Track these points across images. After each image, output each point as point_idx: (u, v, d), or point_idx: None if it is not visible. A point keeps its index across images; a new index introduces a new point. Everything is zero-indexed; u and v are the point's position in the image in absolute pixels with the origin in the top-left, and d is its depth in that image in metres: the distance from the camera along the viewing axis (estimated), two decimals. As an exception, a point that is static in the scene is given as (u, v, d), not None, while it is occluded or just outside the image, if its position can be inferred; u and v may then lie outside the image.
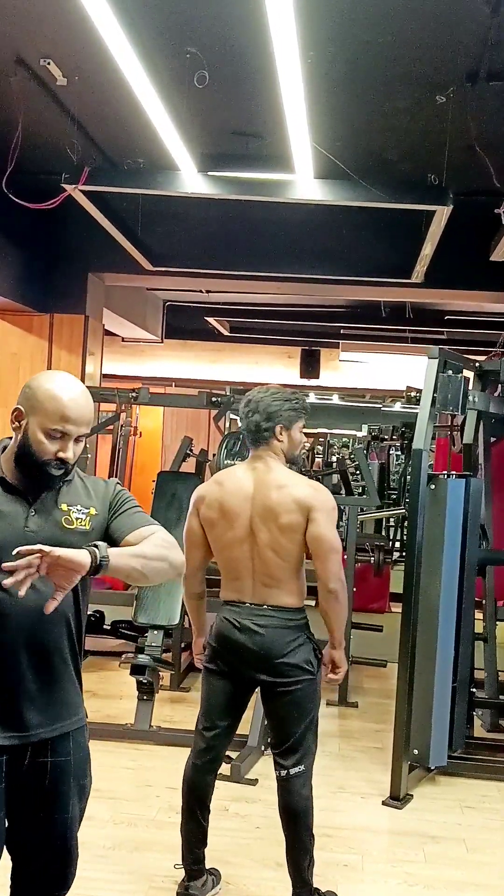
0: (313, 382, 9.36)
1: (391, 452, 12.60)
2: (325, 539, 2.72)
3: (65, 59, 3.43)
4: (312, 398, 11.98)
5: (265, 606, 2.78)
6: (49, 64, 3.44)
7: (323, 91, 3.51)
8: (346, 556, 5.16)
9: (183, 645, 5.41)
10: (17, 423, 1.79)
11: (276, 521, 2.74)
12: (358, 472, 9.40)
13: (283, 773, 2.78)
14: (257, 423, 2.79)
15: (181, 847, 2.88)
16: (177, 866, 2.94)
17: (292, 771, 2.77)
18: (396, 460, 12.93)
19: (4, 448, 1.84)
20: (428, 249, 4.64)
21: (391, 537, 10.65)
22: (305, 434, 3.07)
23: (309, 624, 2.83)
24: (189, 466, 5.75)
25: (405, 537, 9.39)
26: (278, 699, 2.77)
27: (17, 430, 1.79)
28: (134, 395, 5.08)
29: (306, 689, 2.77)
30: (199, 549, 2.92)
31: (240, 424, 2.90)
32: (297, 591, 2.80)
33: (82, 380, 5.52)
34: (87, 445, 4.88)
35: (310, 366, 9.39)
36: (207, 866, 2.96)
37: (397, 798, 3.80)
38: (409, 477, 7.38)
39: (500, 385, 4.84)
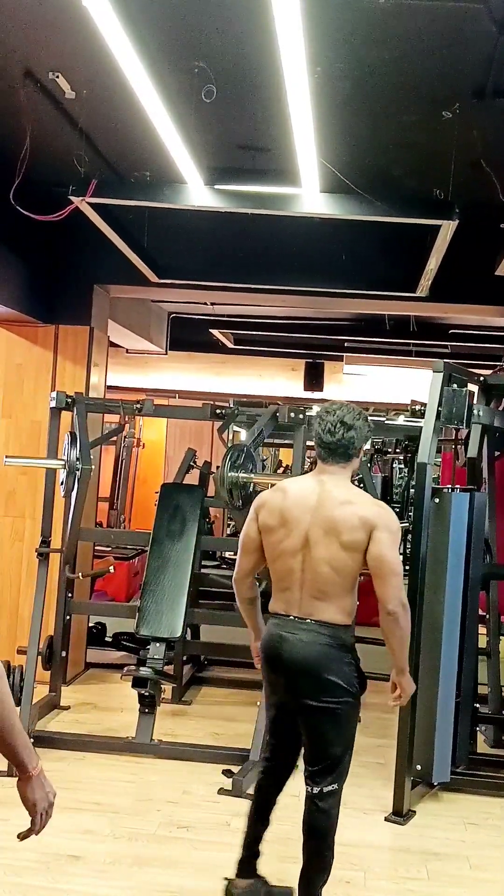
0: (317, 395, 9.36)
1: (395, 466, 12.58)
2: (387, 560, 2.71)
3: (73, 72, 3.45)
4: (316, 411, 11.94)
5: (309, 621, 2.77)
6: (58, 77, 3.46)
7: (330, 106, 3.53)
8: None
9: (185, 658, 5.40)
10: None
11: (338, 537, 2.74)
12: (361, 485, 9.40)
13: (316, 790, 2.78)
14: (350, 440, 2.81)
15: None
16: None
17: (325, 789, 2.77)
18: (400, 474, 12.91)
19: None
20: (433, 264, 4.64)
21: (394, 551, 10.63)
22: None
23: (355, 646, 2.82)
24: (192, 478, 5.75)
25: (409, 551, 9.36)
26: (317, 716, 2.75)
27: None
28: (138, 406, 5.09)
29: (346, 709, 2.75)
30: (253, 554, 2.93)
31: (321, 434, 2.87)
32: (347, 608, 2.80)
33: (87, 391, 5.53)
34: (91, 457, 4.88)
35: (314, 379, 9.39)
36: (216, 884, 2.95)
37: (400, 814, 3.78)
38: (412, 490, 7.36)
39: (504, 399, 4.84)
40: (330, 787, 2.78)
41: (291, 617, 2.79)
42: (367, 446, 2.95)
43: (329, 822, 2.80)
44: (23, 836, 1.79)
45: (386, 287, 5.50)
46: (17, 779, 1.75)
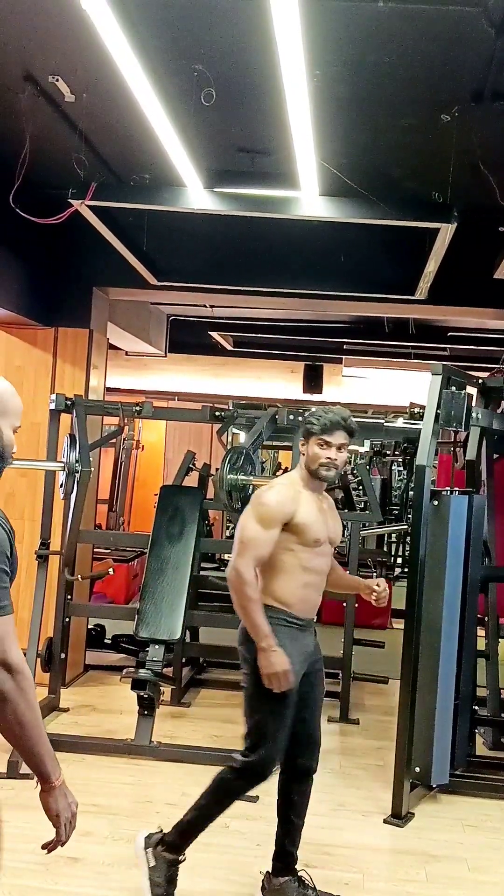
0: (316, 398, 9.36)
1: (393, 468, 12.60)
2: (239, 525, 2.90)
3: (73, 75, 3.46)
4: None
5: None
6: (57, 81, 3.47)
7: (329, 109, 3.54)
8: (348, 572, 5.14)
9: (184, 660, 5.40)
10: None
11: None
12: (360, 487, 9.40)
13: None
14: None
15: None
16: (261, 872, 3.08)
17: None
18: (399, 476, 12.93)
19: None
20: (432, 266, 4.65)
21: (393, 553, 10.64)
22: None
23: (271, 624, 2.84)
24: (192, 480, 5.75)
25: (407, 553, 9.38)
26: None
27: None
28: (137, 408, 5.09)
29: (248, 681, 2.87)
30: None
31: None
32: (265, 588, 2.90)
33: (86, 393, 5.54)
34: (91, 459, 4.88)
35: (312, 381, 9.40)
36: (213, 884, 2.98)
37: (399, 816, 3.78)
38: (411, 493, 7.37)
39: (503, 402, 4.85)
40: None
41: None
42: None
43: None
44: (49, 848, 1.78)
45: (385, 290, 5.50)
46: (39, 789, 1.74)
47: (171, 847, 2.90)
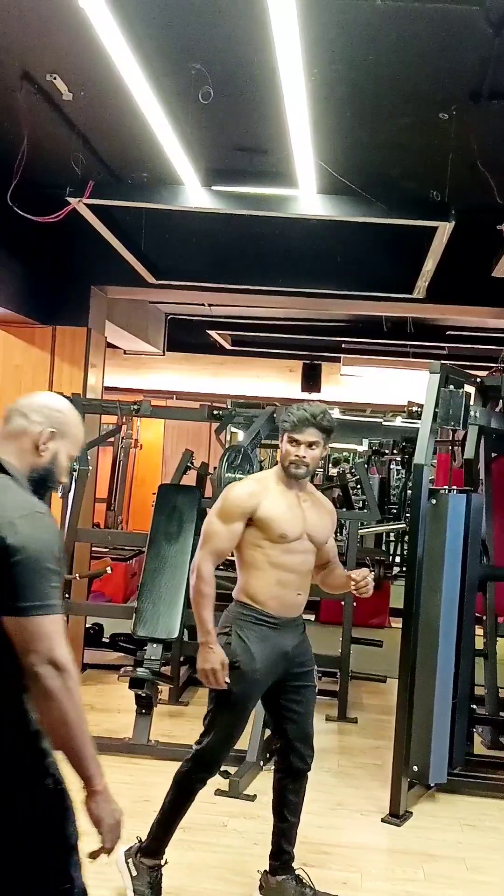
0: (314, 396, 9.35)
1: (392, 467, 12.59)
2: (205, 520, 2.96)
3: (71, 73, 3.46)
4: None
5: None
6: (55, 79, 3.46)
7: (327, 108, 3.53)
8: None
9: (182, 658, 5.40)
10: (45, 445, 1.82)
11: None
12: (358, 486, 9.40)
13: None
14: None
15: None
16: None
17: None
18: (397, 475, 12.92)
19: None
20: (430, 265, 4.65)
21: (391, 552, 10.64)
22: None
23: (240, 621, 2.88)
24: (190, 479, 5.75)
25: (405, 552, 9.38)
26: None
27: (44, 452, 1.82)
28: (135, 407, 5.09)
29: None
30: None
31: None
32: (239, 585, 2.95)
33: (84, 392, 5.53)
34: (88, 457, 4.88)
35: (311, 380, 9.40)
36: (211, 884, 2.98)
37: (397, 815, 3.78)
38: (409, 492, 7.37)
39: (501, 401, 4.85)
40: None
41: None
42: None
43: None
44: (94, 855, 1.75)
45: (383, 288, 5.50)
46: (84, 794, 1.71)
47: (148, 853, 2.93)
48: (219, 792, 3.92)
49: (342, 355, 8.86)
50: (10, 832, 1.65)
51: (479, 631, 4.58)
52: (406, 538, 8.35)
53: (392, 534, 10.73)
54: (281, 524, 2.85)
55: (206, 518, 2.96)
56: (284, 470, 2.90)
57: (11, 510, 1.67)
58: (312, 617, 6.98)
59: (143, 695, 4.30)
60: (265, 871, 3.03)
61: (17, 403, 1.86)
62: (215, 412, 5.08)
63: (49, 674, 1.62)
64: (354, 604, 5.22)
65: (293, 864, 3.03)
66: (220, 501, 2.90)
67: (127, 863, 2.94)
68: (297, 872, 3.02)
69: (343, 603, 5.32)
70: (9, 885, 1.65)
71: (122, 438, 10.52)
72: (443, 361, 4.11)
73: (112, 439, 9.54)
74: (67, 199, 4.00)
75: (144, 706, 4.35)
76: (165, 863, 2.93)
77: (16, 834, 1.65)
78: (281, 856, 3.02)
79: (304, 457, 2.86)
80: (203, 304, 7.17)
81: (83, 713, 1.67)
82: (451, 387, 4.02)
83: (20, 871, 1.66)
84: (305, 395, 9.39)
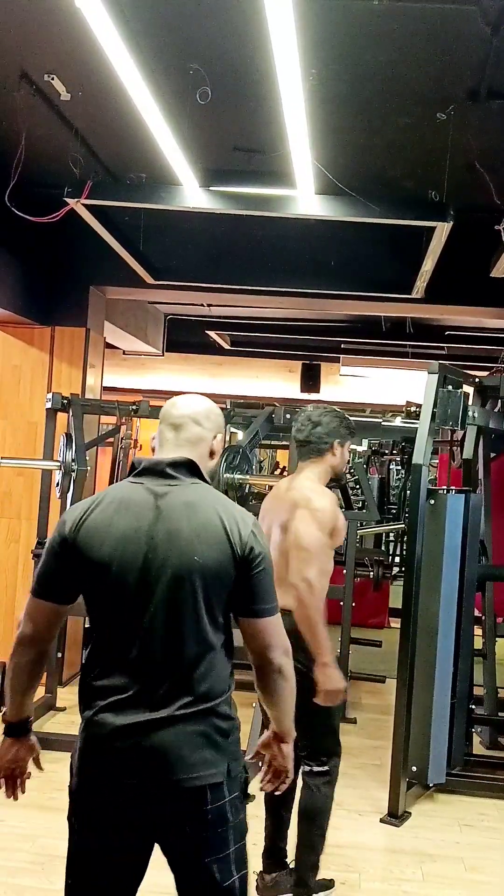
0: (314, 397, 9.36)
1: (391, 467, 12.59)
2: (298, 533, 2.73)
3: (69, 74, 3.46)
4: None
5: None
6: (53, 79, 3.46)
7: (324, 108, 3.54)
8: (345, 571, 5.14)
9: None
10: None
11: (280, 521, 2.84)
12: (358, 486, 9.39)
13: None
14: (318, 436, 2.86)
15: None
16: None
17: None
18: (396, 475, 12.92)
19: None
20: (428, 265, 4.65)
21: (391, 552, 10.63)
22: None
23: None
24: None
25: (404, 552, 9.38)
26: None
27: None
28: (134, 407, 5.08)
29: None
30: None
31: (294, 435, 2.95)
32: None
33: (83, 392, 5.53)
34: (88, 458, 4.87)
35: (310, 380, 9.40)
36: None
37: (395, 815, 3.78)
38: (408, 492, 7.37)
39: (499, 401, 4.85)
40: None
41: None
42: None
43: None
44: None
45: (382, 288, 5.50)
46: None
47: (320, 886, 2.98)
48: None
49: (341, 355, 8.86)
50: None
51: (477, 631, 4.58)
52: (405, 538, 8.35)
53: (391, 534, 10.72)
54: (343, 530, 2.85)
55: (302, 531, 2.72)
56: (337, 476, 2.90)
57: (243, 520, 1.83)
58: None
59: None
60: (260, 871, 3.02)
61: (185, 410, 1.96)
62: (214, 412, 5.06)
63: (286, 661, 1.87)
64: (353, 603, 5.22)
65: (286, 859, 3.04)
66: (317, 514, 2.72)
67: None
68: (291, 866, 3.02)
69: (342, 603, 5.32)
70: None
71: (122, 439, 10.50)
72: (441, 361, 4.11)
73: (111, 440, 9.53)
74: (65, 199, 4.00)
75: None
76: (333, 883, 3.08)
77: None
78: (276, 853, 3.03)
79: None
80: (202, 305, 7.17)
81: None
82: (450, 387, 4.03)
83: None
84: (305, 396, 9.40)
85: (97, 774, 1.81)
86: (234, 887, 1.86)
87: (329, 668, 2.67)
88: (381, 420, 12.55)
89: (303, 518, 2.73)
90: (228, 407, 5.21)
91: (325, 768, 2.89)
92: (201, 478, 1.87)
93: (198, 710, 1.77)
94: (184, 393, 2.08)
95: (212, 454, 1.95)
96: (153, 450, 1.96)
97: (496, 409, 4.84)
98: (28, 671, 1.87)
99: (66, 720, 4.87)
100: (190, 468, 1.86)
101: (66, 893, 1.92)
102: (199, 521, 1.78)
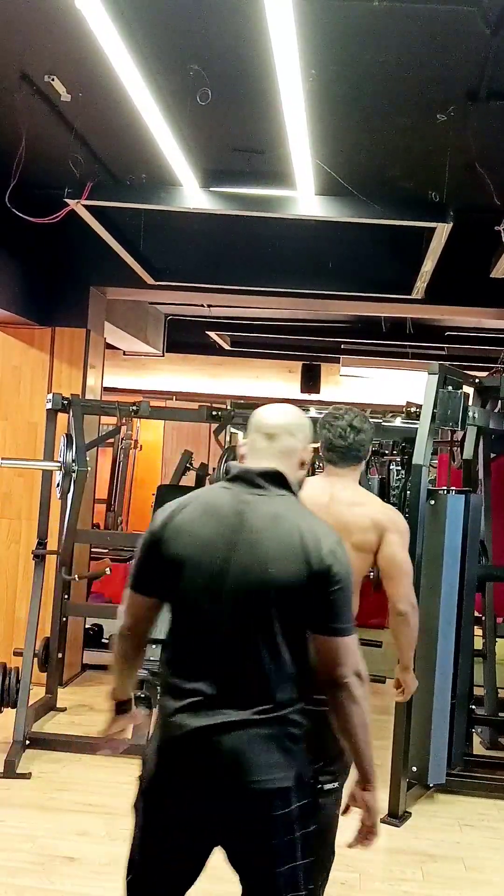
0: (314, 397, 9.36)
1: (391, 467, 12.58)
2: (398, 561, 2.76)
3: (69, 75, 3.46)
4: (313, 413, 11.98)
5: None
6: (53, 80, 3.46)
7: (324, 109, 3.54)
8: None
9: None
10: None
11: (349, 538, 2.71)
12: (358, 486, 9.37)
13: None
14: (361, 443, 2.81)
15: None
16: None
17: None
18: (397, 475, 12.90)
19: None
20: (428, 266, 4.65)
21: (391, 552, 10.62)
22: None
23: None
24: (189, 480, 5.75)
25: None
26: None
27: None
28: (134, 408, 5.08)
29: None
30: None
31: (331, 439, 2.83)
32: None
33: (83, 393, 5.54)
34: (88, 458, 4.88)
35: (310, 380, 9.40)
36: (210, 884, 2.96)
37: (395, 816, 3.78)
38: (408, 492, 7.36)
39: (500, 401, 4.85)
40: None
41: None
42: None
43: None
44: (366, 838, 2.04)
45: (382, 289, 5.51)
46: (361, 787, 1.98)
47: None
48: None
49: (341, 356, 8.86)
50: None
51: (477, 631, 4.59)
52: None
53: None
54: None
55: (401, 558, 2.76)
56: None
57: (325, 537, 1.83)
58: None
59: (142, 695, 4.30)
60: None
61: (280, 420, 1.97)
62: (214, 413, 5.08)
63: (356, 683, 1.84)
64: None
65: None
66: (405, 535, 2.78)
67: None
68: None
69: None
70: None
71: (122, 439, 10.51)
72: (441, 362, 4.12)
73: (111, 440, 9.54)
74: (66, 200, 4.01)
75: (143, 707, 4.35)
76: None
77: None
78: None
79: None
80: (202, 305, 7.17)
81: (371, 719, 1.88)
82: (450, 387, 4.03)
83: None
84: (305, 396, 9.40)
85: (171, 774, 1.85)
86: None
87: (411, 674, 2.95)
88: (381, 420, 12.54)
89: (396, 543, 2.76)
90: (229, 407, 5.21)
91: (335, 784, 2.85)
92: (289, 489, 1.89)
93: (271, 717, 1.79)
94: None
95: (302, 465, 1.97)
96: (242, 457, 1.97)
97: (496, 410, 4.84)
98: (127, 658, 2.06)
99: (67, 720, 4.87)
100: (279, 480, 1.88)
101: (126, 890, 1.97)
102: (280, 534, 1.80)
